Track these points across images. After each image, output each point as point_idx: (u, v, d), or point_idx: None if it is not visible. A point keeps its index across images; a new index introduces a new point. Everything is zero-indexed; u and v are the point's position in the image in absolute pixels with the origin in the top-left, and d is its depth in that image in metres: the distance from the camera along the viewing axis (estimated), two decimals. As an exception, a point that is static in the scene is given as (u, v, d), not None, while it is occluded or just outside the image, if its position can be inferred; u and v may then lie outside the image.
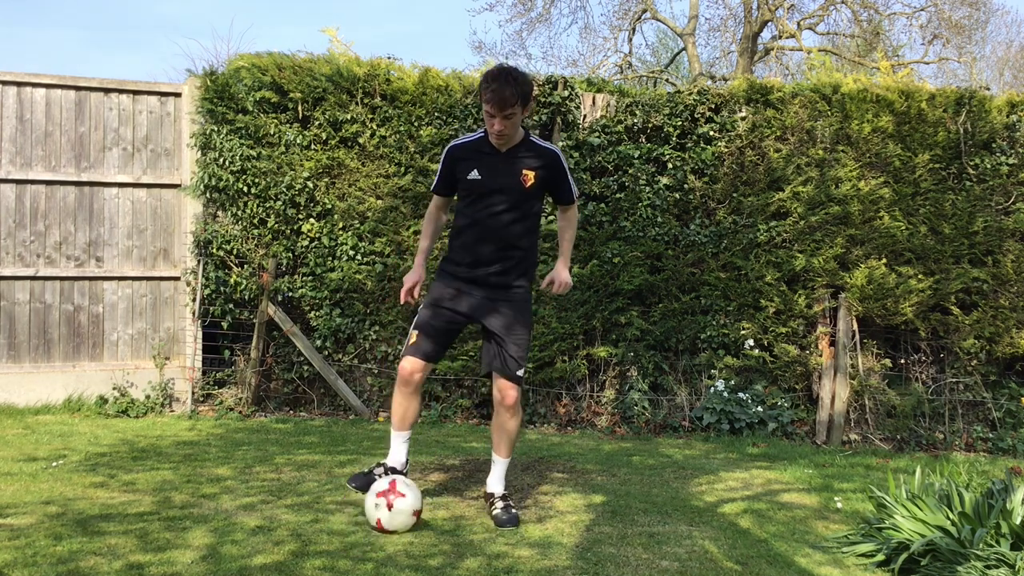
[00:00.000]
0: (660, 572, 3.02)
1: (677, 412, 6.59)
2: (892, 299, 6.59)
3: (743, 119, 6.79)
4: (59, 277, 6.52)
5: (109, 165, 6.66)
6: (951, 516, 3.25)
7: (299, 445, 5.28)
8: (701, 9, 17.80)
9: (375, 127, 6.64)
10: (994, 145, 6.88)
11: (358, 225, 6.62)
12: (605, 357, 6.61)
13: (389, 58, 6.82)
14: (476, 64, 22.65)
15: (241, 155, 6.51)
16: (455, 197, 3.77)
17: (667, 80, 16.84)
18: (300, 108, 6.64)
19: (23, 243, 6.47)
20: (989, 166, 6.82)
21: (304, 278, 6.60)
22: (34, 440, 5.18)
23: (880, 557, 3.23)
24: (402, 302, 3.74)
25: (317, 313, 6.60)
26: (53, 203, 6.54)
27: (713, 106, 6.82)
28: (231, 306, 6.57)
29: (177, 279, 6.73)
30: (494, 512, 3.59)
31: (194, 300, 6.54)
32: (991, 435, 6.51)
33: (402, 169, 6.63)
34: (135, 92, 6.73)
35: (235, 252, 6.58)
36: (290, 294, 6.59)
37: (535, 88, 6.65)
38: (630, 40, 18.08)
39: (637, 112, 6.77)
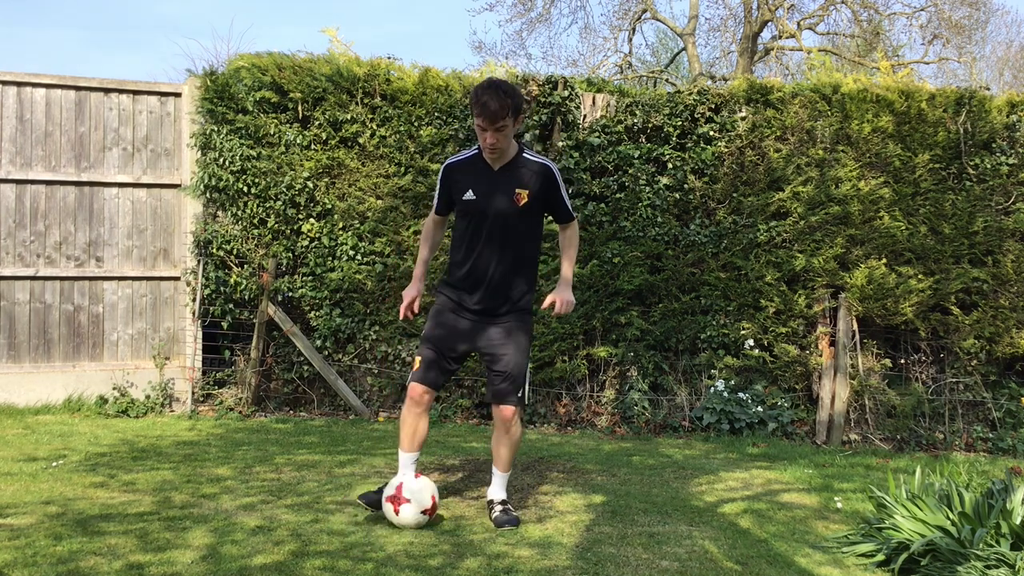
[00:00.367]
0: (660, 572, 3.02)
1: (677, 412, 6.59)
2: (892, 299, 6.59)
3: (743, 119, 6.79)
4: (59, 277, 6.52)
5: (109, 165, 6.66)
6: (951, 516, 3.25)
7: (299, 445, 5.28)
8: (701, 9, 17.81)
9: (375, 127, 6.64)
10: (994, 145, 6.88)
11: (358, 225, 6.62)
12: (605, 357, 6.61)
13: (389, 58, 6.83)
14: (476, 64, 22.67)
15: (241, 155, 6.51)
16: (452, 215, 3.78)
17: (667, 80, 16.84)
18: (300, 108, 6.64)
19: (23, 243, 6.47)
20: (989, 166, 6.82)
21: (304, 278, 6.60)
22: (34, 440, 5.19)
23: (880, 557, 3.23)
24: (401, 318, 3.75)
25: (317, 313, 6.60)
26: (53, 203, 6.54)
27: (713, 106, 6.82)
28: (231, 306, 6.57)
29: (177, 279, 6.73)
30: (494, 515, 3.61)
31: (194, 300, 6.54)
32: (991, 435, 6.51)
33: (402, 169, 6.63)
34: (135, 92, 6.73)
35: (235, 252, 6.58)
36: (290, 294, 6.59)
37: (536, 88, 6.68)
38: (630, 40, 18.09)
39: (637, 112, 6.77)
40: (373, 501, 3.60)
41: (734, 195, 6.72)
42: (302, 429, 5.94)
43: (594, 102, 6.88)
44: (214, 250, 6.52)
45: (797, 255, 6.62)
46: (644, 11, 17.75)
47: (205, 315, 6.56)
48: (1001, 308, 6.72)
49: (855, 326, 6.63)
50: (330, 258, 6.60)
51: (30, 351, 6.47)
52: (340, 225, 6.61)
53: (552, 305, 3.61)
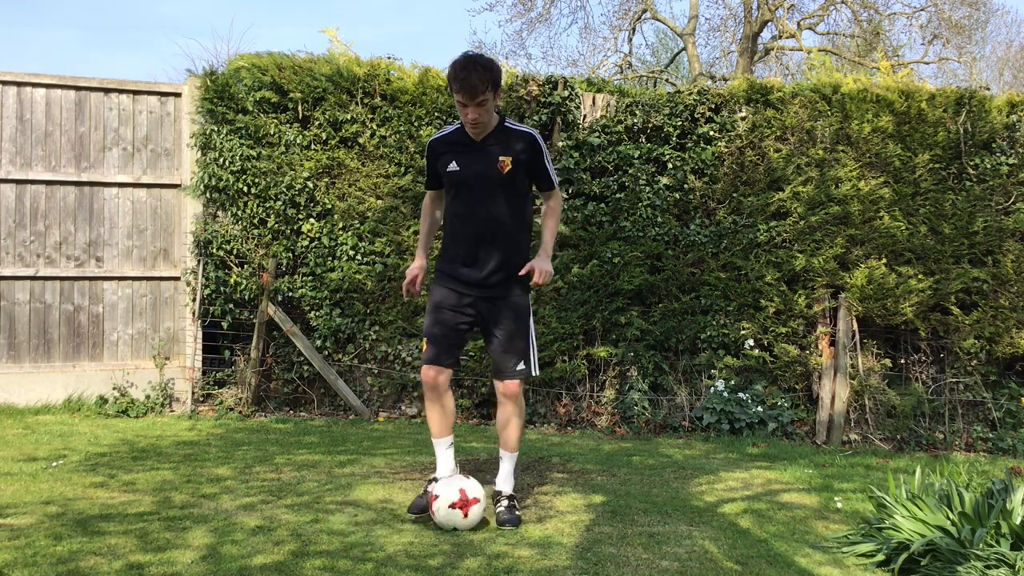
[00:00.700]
0: (660, 572, 3.02)
1: (677, 412, 6.58)
2: (892, 299, 6.59)
3: (743, 119, 6.79)
4: (59, 277, 6.52)
5: (109, 165, 6.66)
6: (951, 516, 3.25)
7: (299, 445, 5.28)
8: (701, 9, 17.81)
9: (375, 127, 6.64)
10: (994, 145, 6.88)
11: (358, 225, 6.62)
12: (605, 357, 6.61)
13: (389, 58, 6.83)
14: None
15: (241, 155, 6.51)
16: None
17: (667, 80, 16.85)
18: (300, 108, 6.64)
19: (23, 243, 6.47)
20: (989, 166, 6.82)
21: (304, 278, 6.60)
22: (34, 440, 5.18)
23: (880, 557, 3.23)
24: (404, 296, 3.76)
25: (317, 313, 6.60)
26: (53, 203, 6.54)
27: (713, 106, 6.82)
28: (231, 306, 6.57)
29: (177, 279, 6.73)
30: (498, 510, 3.61)
31: (194, 300, 6.54)
32: (991, 435, 6.51)
33: (402, 169, 6.63)
34: (135, 92, 6.73)
35: (235, 252, 6.58)
36: (290, 294, 6.59)
37: (536, 88, 6.67)
38: (630, 40, 18.09)
39: (637, 112, 6.76)
40: (421, 507, 3.59)
41: (734, 195, 6.72)
42: (302, 429, 5.94)
43: (594, 102, 6.88)
44: (214, 250, 6.52)
45: (797, 255, 6.62)
46: (644, 11, 17.75)
47: (205, 315, 6.56)
48: (1001, 308, 6.72)
49: (855, 326, 6.63)
50: (330, 258, 6.60)
51: (30, 351, 6.47)
52: (340, 225, 6.61)
53: (531, 273, 3.60)
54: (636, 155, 6.69)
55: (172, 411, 6.46)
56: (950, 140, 6.80)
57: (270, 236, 6.60)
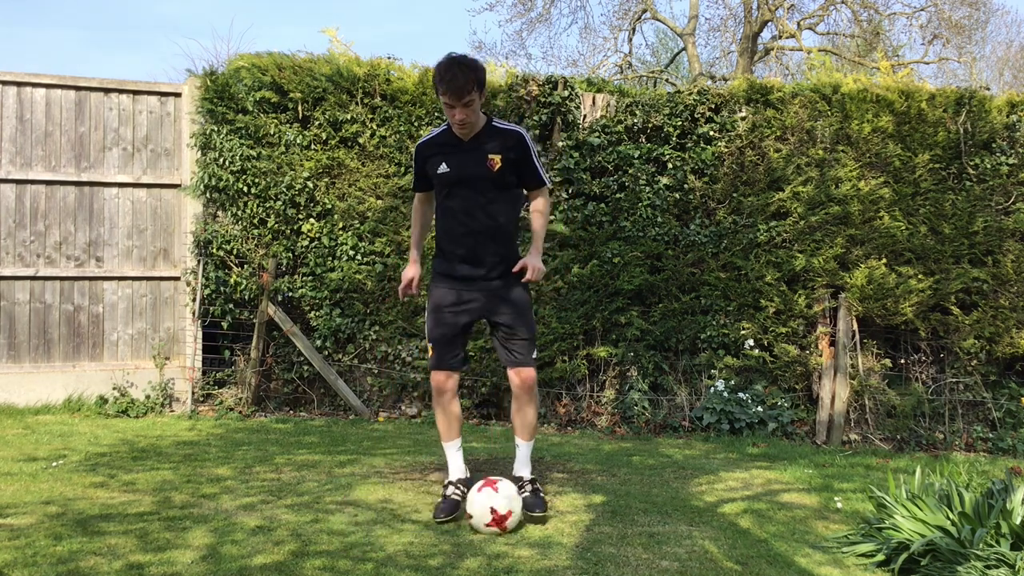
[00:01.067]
0: (660, 572, 3.02)
1: (677, 412, 6.58)
2: (892, 299, 6.59)
3: (743, 119, 6.79)
4: (59, 277, 6.52)
5: (109, 165, 6.66)
6: (951, 516, 3.25)
7: (299, 445, 5.28)
8: (701, 9, 17.81)
9: (375, 127, 6.64)
10: (994, 145, 6.88)
11: (358, 225, 6.62)
12: (605, 357, 6.61)
13: (389, 58, 6.83)
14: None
15: (241, 155, 6.51)
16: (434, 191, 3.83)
17: (667, 80, 16.84)
18: (300, 108, 6.64)
19: (23, 243, 6.47)
20: (989, 166, 6.82)
21: (304, 278, 6.60)
22: (34, 440, 5.18)
23: (880, 557, 3.23)
24: (401, 298, 3.78)
25: (317, 313, 6.60)
26: (53, 203, 6.54)
27: (713, 106, 6.82)
28: (231, 306, 6.57)
29: (177, 279, 6.73)
30: (523, 495, 3.61)
31: (194, 300, 6.54)
32: (991, 435, 6.51)
33: (402, 169, 6.63)
34: (135, 92, 6.73)
35: (235, 252, 6.58)
36: (290, 294, 6.59)
37: (536, 88, 6.67)
38: (630, 40, 18.10)
39: (637, 112, 6.76)
40: (451, 508, 3.58)
41: (734, 195, 6.72)
42: (302, 429, 5.93)
43: (594, 102, 6.88)
44: (214, 250, 6.52)
45: (797, 255, 6.62)
46: (644, 11, 17.75)
47: (205, 315, 6.56)
48: (1001, 308, 6.72)
49: (855, 326, 6.63)
50: (330, 258, 6.60)
51: (30, 351, 6.47)
52: (340, 225, 6.61)
53: (524, 270, 3.61)
54: (636, 155, 6.69)
55: (172, 411, 6.46)
56: (950, 140, 6.80)
57: (270, 236, 6.60)
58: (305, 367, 6.58)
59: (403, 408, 6.66)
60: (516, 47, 27.11)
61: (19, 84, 6.47)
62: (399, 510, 3.73)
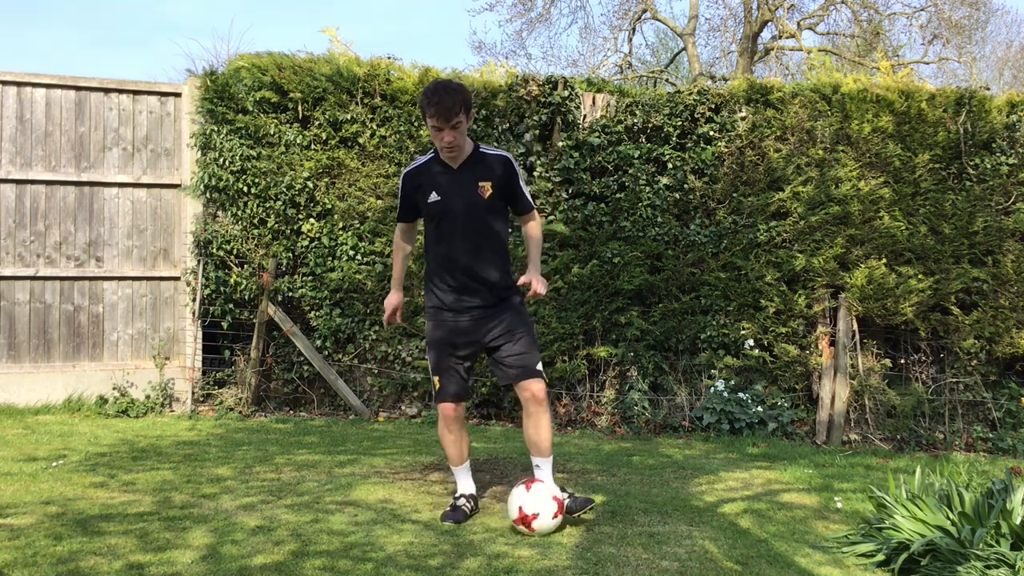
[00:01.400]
0: (660, 572, 3.02)
1: (677, 412, 6.58)
2: (892, 299, 6.59)
3: (743, 119, 6.79)
4: (59, 277, 6.52)
5: (109, 165, 6.66)
6: (951, 516, 3.24)
7: (299, 445, 5.28)
8: (701, 9, 17.81)
9: (375, 127, 6.64)
10: (994, 145, 6.88)
11: (358, 225, 6.62)
12: (605, 357, 6.61)
13: (389, 58, 6.83)
14: (476, 64, 22.63)
15: (241, 155, 6.51)
16: (421, 222, 3.79)
17: (667, 80, 16.84)
18: (300, 108, 6.64)
19: (23, 243, 6.47)
20: (989, 166, 6.82)
21: (304, 278, 6.60)
22: (34, 440, 5.19)
23: (880, 557, 3.23)
24: (386, 326, 3.76)
25: (317, 313, 6.60)
26: (53, 203, 6.54)
27: (713, 106, 6.82)
28: (231, 306, 6.58)
29: (177, 279, 6.73)
30: (567, 503, 3.57)
31: (194, 300, 6.54)
32: (991, 435, 6.51)
33: (402, 169, 6.62)
34: (135, 92, 6.73)
35: (235, 252, 6.58)
36: (290, 294, 6.59)
37: (536, 88, 6.67)
38: (630, 40, 18.09)
39: (637, 112, 6.76)
40: (457, 518, 3.59)
41: (734, 195, 6.72)
42: (302, 429, 5.94)
43: (594, 102, 6.88)
44: (214, 250, 6.52)
45: (797, 255, 6.62)
46: (644, 11, 17.75)
47: (205, 315, 6.56)
48: (1001, 308, 6.72)
49: (855, 326, 6.63)
50: (330, 258, 6.60)
51: (30, 351, 6.47)
52: (340, 225, 6.61)
53: (528, 284, 3.59)
54: (636, 155, 6.69)
55: (172, 411, 6.46)
56: (950, 140, 6.80)
57: (270, 236, 6.60)
58: (305, 367, 6.58)
59: (403, 408, 6.66)
60: (516, 47, 27.11)
61: (19, 84, 6.47)
62: (399, 510, 3.73)
